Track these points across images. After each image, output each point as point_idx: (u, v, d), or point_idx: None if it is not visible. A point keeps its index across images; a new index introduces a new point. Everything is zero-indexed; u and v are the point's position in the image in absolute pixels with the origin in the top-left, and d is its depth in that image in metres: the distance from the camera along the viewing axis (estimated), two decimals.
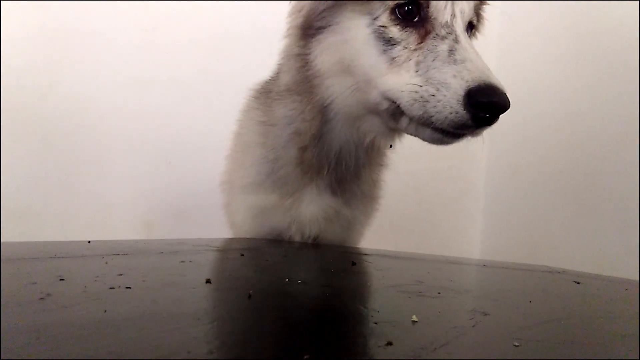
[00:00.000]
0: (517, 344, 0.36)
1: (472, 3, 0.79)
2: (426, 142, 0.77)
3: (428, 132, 0.72)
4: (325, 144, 0.88)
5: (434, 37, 0.72)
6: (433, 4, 0.74)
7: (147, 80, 1.65)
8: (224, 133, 1.10)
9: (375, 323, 0.40)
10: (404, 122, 0.75)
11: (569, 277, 0.82)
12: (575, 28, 1.64)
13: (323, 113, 0.86)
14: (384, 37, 0.75)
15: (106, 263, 0.56)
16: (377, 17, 0.75)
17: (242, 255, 0.78)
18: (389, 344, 0.35)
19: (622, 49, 1.43)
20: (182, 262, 0.62)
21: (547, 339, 0.41)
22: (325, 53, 0.82)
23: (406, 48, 0.74)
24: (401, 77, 0.73)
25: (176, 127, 1.70)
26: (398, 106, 0.73)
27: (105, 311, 0.35)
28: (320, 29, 0.81)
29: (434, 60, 0.70)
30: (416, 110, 0.69)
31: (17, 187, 1.51)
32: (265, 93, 0.99)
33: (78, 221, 1.60)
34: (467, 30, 0.79)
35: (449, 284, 0.68)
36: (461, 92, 0.65)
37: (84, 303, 0.38)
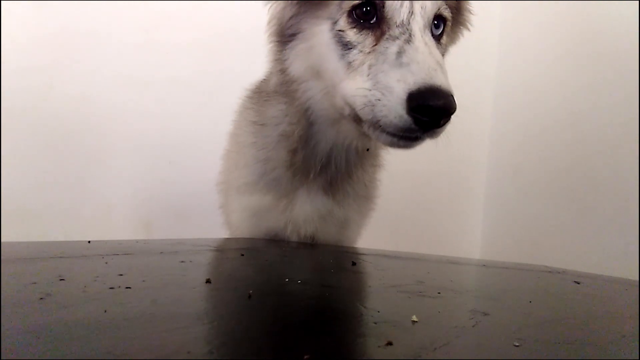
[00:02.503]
0: (517, 344, 0.36)
1: (427, 3, 0.75)
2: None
3: (384, 136, 0.71)
4: (313, 146, 0.89)
5: (387, 38, 0.71)
6: (388, 3, 0.72)
7: (147, 80, 1.65)
8: (224, 133, 1.10)
9: (375, 323, 0.40)
10: (365, 126, 0.74)
11: (569, 277, 0.82)
12: (575, 28, 1.64)
13: (306, 116, 0.86)
14: (342, 42, 0.75)
15: (106, 263, 0.56)
16: (337, 21, 0.75)
17: (242, 255, 0.78)
18: (389, 344, 0.35)
19: (622, 49, 1.43)
20: (182, 262, 0.62)
21: (547, 339, 0.41)
22: (298, 59, 0.82)
23: (361, 52, 0.73)
24: (355, 81, 0.72)
25: (176, 127, 1.70)
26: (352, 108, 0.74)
27: (105, 311, 0.35)
28: (291, 36, 0.82)
29: (383, 63, 0.69)
30: (366, 115, 0.69)
31: (17, 187, 1.51)
32: (258, 93, 0.99)
33: (78, 221, 1.60)
34: (437, 26, 0.78)
35: (449, 284, 0.68)
36: (403, 95, 0.63)
37: (84, 303, 0.38)
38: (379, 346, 0.35)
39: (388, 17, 0.72)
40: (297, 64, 0.83)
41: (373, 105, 0.67)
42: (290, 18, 0.81)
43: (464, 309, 0.51)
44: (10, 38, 1.50)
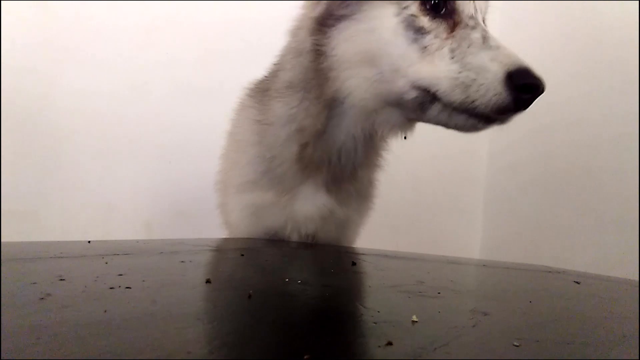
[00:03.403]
0: (517, 344, 0.36)
1: (487, 3, 0.80)
2: (457, 130, 0.80)
3: (462, 118, 0.73)
4: (328, 139, 0.88)
5: (464, 27, 0.74)
6: None
7: (147, 80, 1.65)
8: (224, 133, 1.10)
9: (375, 323, 0.40)
10: (434, 110, 0.76)
11: (569, 277, 0.82)
12: (575, 28, 1.64)
13: (331, 108, 0.85)
14: (414, 26, 0.75)
15: (106, 263, 0.56)
16: (407, 6, 0.76)
17: (242, 255, 0.78)
18: (389, 344, 0.35)
19: (622, 49, 1.43)
20: (182, 262, 0.62)
21: (547, 339, 0.41)
22: (347, 43, 0.80)
23: (437, 37, 0.75)
24: (435, 65, 0.73)
25: (176, 127, 1.70)
26: (429, 94, 0.74)
27: (105, 311, 0.35)
28: (341, 18, 0.80)
29: (469, 47, 0.72)
30: (457, 96, 0.70)
31: (17, 187, 1.51)
32: (261, 91, 0.97)
33: (78, 221, 1.60)
34: None
35: (449, 284, 0.68)
36: (501, 74, 0.67)
37: (84, 303, 0.38)
38: (379, 346, 0.35)
39: (459, 10, 0.76)
40: (345, 48, 0.81)
41: (468, 86, 0.69)
42: (342, 4, 0.80)
43: (464, 309, 0.51)
44: (10, 38, 1.50)
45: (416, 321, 0.41)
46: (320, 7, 0.83)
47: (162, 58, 1.67)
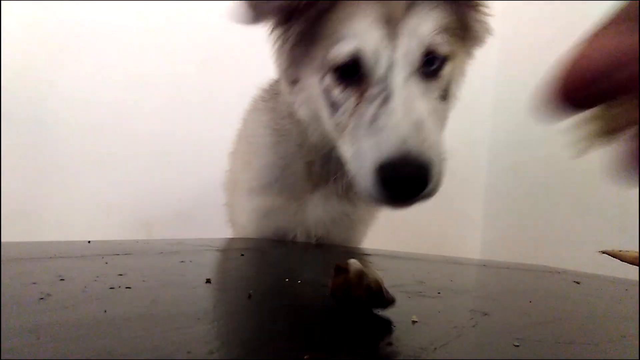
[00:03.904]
0: (517, 344, 0.36)
1: (423, 34, 0.67)
2: None
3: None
4: (332, 159, 0.87)
5: (366, 99, 0.66)
6: (366, 58, 0.66)
7: (147, 80, 1.65)
8: (224, 133, 1.10)
9: (375, 323, 0.40)
10: None
11: (569, 277, 0.82)
12: (575, 28, 1.64)
13: (322, 144, 0.85)
14: (329, 100, 0.71)
15: (106, 263, 0.56)
16: (324, 76, 0.71)
17: (242, 255, 0.78)
18: (389, 344, 0.35)
19: None
20: (182, 262, 0.62)
21: (547, 339, 0.41)
22: (302, 106, 0.81)
23: (345, 113, 0.69)
24: (344, 146, 0.70)
25: (176, 127, 1.70)
26: None
27: (105, 311, 0.35)
28: (294, 82, 0.80)
29: (360, 128, 0.65)
30: (356, 184, 0.66)
31: (17, 187, 1.51)
32: (275, 95, 0.97)
33: (78, 221, 1.60)
34: (430, 62, 0.70)
35: (449, 284, 0.68)
36: (374, 166, 0.59)
37: (84, 303, 0.38)
38: (379, 346, 0.35)
39: (368, 72, 0.67)
40: (303, 110, 0.82)
41: (356, 176, 0.65)
42: (288, 68, 0.78)
43: (464, 309, 0.51)
44: (10, 38, 1.50)
45: (416, 321, 0.41)
46: (277, 71, 0.83)
47: (163, 58, 1.67)
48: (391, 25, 0.66)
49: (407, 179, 0.57)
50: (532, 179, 1.82)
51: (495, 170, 2.05)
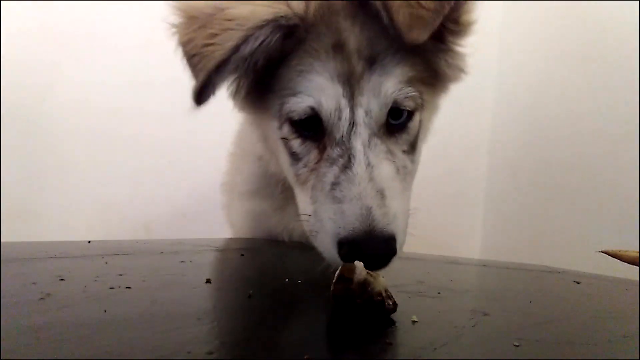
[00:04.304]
0: (517, 344, 0.36)
1: (387, 91, 0.62)
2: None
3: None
4: None
5: (326, 158, 0.61)
6: (325, 116, 0.62)
7: (147, 80, 1.65)
8: (224, 133, 1.10)
9: (376, 323, 0.40)
10: None
11: (569, 277, 0.82)
12: (575, 28, 1.64)
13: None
14: (289, 149, 0.67)
15: (106, 263, 0.56)
16: (281, 125, 0.67)
17: (242, 255, 0.78)
18: (389, 344, 0.35)
19: (622, 49, 1.43)
20: (182, 262, 0.62)
21: (547, 339, 0.41)
22: (261, 143, 0.79)
23: (306, 166, 0.65)
24: (303, 197, 0.66)
25: (176, 127, 1.70)
26: None
27: (105, 311, 0.35)
28: (250, 113, 0.77)
29: (320, 191, 0.60)
30: (312, 240, 0.62)
31: (17, 187, 1.51)
32: None
33: (78, 221, 1.60)
34: (397, 116, 0.65)
35: (449, 284, 0.68)
36: (334, 238, 0.56)
37: (84, 303, 0.38)
38: (379, 346, 0.35)
39: (328, 131, 0.62)
40: (261, 146, 0.79)
41: (314, 236, 0.61)
42: (242, 109, 0.76)
43: (464, 309, 0.51)
44: (10, 38, 1.50)
45: (416, 321, 0.41)
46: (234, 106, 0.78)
47: (163, 58, 1.67)
48: (351, 82, 0.62)
49: (370, 255, 0.52)
50: (532, 179, 1.82)
51: (495, 170, 2.05)
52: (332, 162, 0.60)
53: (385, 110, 0.63)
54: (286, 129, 0.66)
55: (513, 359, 0.34)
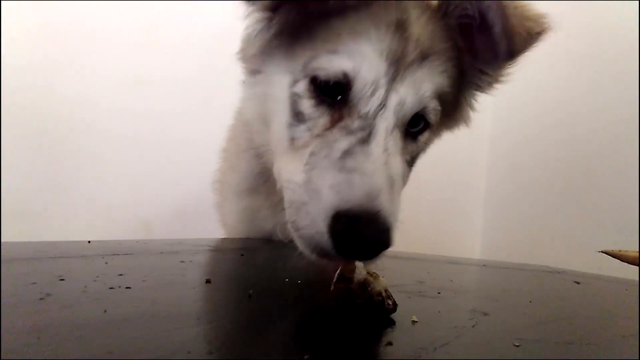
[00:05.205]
0: (517, 344, 0.36)
1: (424, 92, 0.61)
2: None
3: (301, 242, 0.55)
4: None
5: (343, 127, 0.57)
6: (358, 85, 0.58)
7: (147, 80, 1.65)
8: (223, 134, 1.10)
9: (376, 323, 0.40)
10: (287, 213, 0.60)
11: (569, 277, 0.82)
12: (575, 28, 1.64)
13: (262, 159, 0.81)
14: (294, 108, 0.62)
15: (106, 263, 0.56)
16: (298, 81, 0.62)
17: (242, 255, 0.78)
18: (389, 344, 0.35)
19: (622, 49, 1.43)
20: (182, 262, 0.62)
21: (547, 339, 0.41)
22: (252, 102, 0.74)
23: (310, 130, 0.60)
24: (292, 165, 0.59)
25: (176, 127, 1.70)
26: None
27: (105, 311, 0.35)
28: (253, 73, 0.72)
29: (324, 157, 0.54)
30: (290, 215, 0.55)
31: (17, 187, 1.51)
32: None
33: (78, 221, 1.60)
34: (415, 123, 0.64)
35: (449, 284, 0.68)
36: (329, 210, 0.48)
37: (84, 303, 0.38)
38: (379, 346, 0.35)
39: (353, 102, 0.58)
40: (251, 107, 0.75)
41: (298, 209, 0.54)
42: (254, 54, 0.69)
43: (464, 309, 0.51)
44: (10, 38, 1.50)
45: (416, 321, 0.41)
46: (240, 53, 0.74)
47: (163, 58, 1.67)
48: (398, 66, 0.59)
49: (365, 238, 0.47)
50: (532, 179, 1.82)
51: (495, 170, 2.05)
52: (350, 132, 0.56)
53: (416, 109, 0.62)
54: (302, 86, 0.61)
55: (513, 359, 0.34)
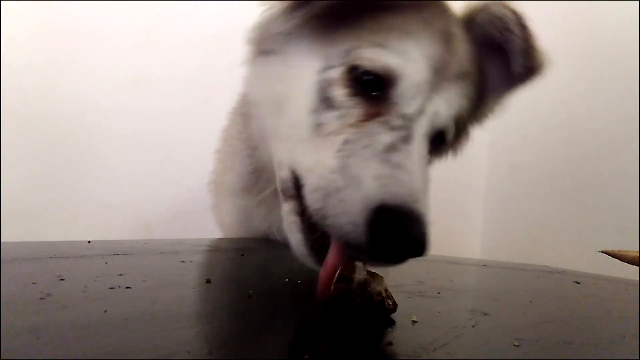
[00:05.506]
0: (517, 344, 0.36)
1: (453, 110, 0.61)
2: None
3: (298, 237, 0.53)
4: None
5: (383, 122, 0.55)
6: (404, 85, 0.57)
7: (147, 80, 1.65)
8: (219, 137, 1.10)
9: (376, 323, 0.40)
10: (286, 206, 0.58)
11: (569, 277, 0.82)
12: (575, 28, 1.64)
13: (259, 149, 0.78)
14: (323, 93, 0.59)
15: (106, 263, 0.56)
16: (332, 67, 0.60)
17: (242, 255, 0.78)
18: (389, 344, 0.35)
19: (622, 49, 1.43)
20: (182, 262, 0.62)
21: (547, 339, 0.41)
22: (262, 82, 0.70)
23: (341, 119, 0.57)
24: (319, 151, 0.56)
25: (176, 127, 1.70)
26: (295, 187, 0.58)
27: (105, 311, 0.35)
28: (268, 53, 0.68)
29: (365, 147, 0.52)
30: (315, 201, 0.51)
31: (17, 187, 1.51)
32: (244, 100, 0.91)
33: (78, 221, 1.60)
34: (433, 140, 0.62)
35: (449, 284, 0.68)
36: (371, 202, 0.45)
37: (84, 303, 0.38)
38: (379, 346, 0.35)
39: (392, 100, 0.57)
40: (259, 87, 0.71)
41: (328, 194, 0.49)
42: (278, 33, 0.65)
43: (464, 309, 0.51)
44: (10, 38, 1.50)
45: (416, 321, 0.41)
46: (254, 32, 0.70)
47: (162, 58, 1.67)
48: (438, 76, 0.59)
49: (406, 239, 0.44)
50: (532, 179, 1.82)
51: (495, 170, 2.05)
52: (392, 128, 0.54)
53: (443, 125, 0.61)
54: (337, 73, 0.59)
55: (513, 359, 0.34)
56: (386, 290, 0.42)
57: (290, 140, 0.62)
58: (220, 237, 1.08)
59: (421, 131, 0.56)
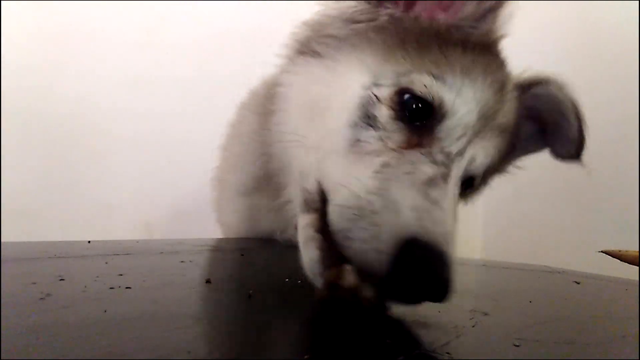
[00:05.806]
0: (517, 344, 0.36)
1: (487, 160, 0.61)
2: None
3: (316, 254, 0.47)
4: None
5: (425, 153, 0.53)
6: (451, 122, 0.56)
7: (147, 80, 1.65)
8: (224, 132, 1.09)
9: (376, 323, 0.40)
10: (305, 218, 0.53)
11: (569, 277, 0.82)
12: (575, 28, 1.64)
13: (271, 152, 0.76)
14: (367, 109, 0.57)
15: (106, 263, 0.56)
16: (381, 85, 0.58)
17: (242, 255, 0.78)
18: (389, 344, 0.35)
19: (622, 49, 1.43)
20: (182, 262, 0.62)
21: (547, 339, 0.41)
22: (299, 81, 0.68)
23: (382, 140, 0.55)
24: (354, 168, 0.53)
25: (176, 127, 1.70)
26: (321, 200, 0.54)
27: (105, 311, 0.35)
28: (311, 53, 0.66)
29: (405, 175, 0.50)
30: (341, 220, 0.47)
31: (17, 187, 1.51)
32: (265, 98, 0.86)
33: (78, 221, 1.60)
34: (462, 183, 0.59)
35: None
36: (406, 233, 0.42)
37: (84, 303, 0.38)
38: (379, 346, 0.35)
39: (436, 134, 0.56)
40: (293, 87, 0.68)
41: (358, 217, 0.46)
42: (330, 36, 0.64)
43: (464, 309, 0.51)
44: (10, 38, 1.50)
45: (416, 321, 0.41)
46: (304, 31, 0.69)
47: (163, 58, 1.67)
48: (483, 124, 0.59)
49: (431, 281, 0.40)
50: (532, 179, 1.82)
51: None
52: (434, 162, 0.53)
53: (475, 171, 0.61)
54: (385, 93, 0.57)
55: (513, 359, 0.34)
56: (375, 297, 0.41)
57: (320, 150, 0.59)
58: (220, 236, 1.08)
59: (457, 172, 0.55)
